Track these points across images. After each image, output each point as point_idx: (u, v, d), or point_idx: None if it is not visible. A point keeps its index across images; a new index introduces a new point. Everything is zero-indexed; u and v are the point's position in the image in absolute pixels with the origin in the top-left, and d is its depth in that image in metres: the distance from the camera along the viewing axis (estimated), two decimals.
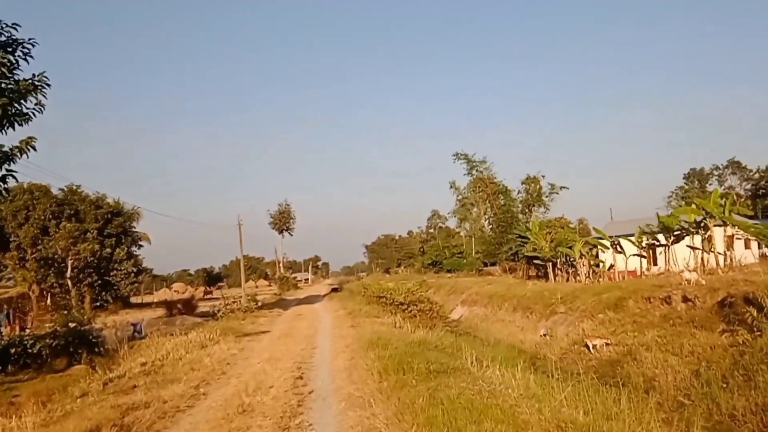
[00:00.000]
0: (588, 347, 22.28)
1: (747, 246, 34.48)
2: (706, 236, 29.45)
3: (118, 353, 19.71)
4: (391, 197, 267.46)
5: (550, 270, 45.12)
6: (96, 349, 19.57)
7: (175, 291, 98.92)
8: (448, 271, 76.72)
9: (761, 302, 18.48)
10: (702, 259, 29.52)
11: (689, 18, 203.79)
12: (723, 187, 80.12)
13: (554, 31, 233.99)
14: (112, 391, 11.78)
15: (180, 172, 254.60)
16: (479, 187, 70.58)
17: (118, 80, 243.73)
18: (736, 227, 27.74)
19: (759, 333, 17.09)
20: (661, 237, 33.54)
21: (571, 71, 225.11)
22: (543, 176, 68.30)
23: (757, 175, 74.80)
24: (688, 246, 30.63)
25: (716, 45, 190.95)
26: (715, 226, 28.37)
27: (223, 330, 23.22)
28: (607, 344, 21.91)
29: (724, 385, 15.70)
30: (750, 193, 73.67)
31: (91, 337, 19.75)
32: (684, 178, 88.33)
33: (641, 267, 35.80)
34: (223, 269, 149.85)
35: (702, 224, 29.38)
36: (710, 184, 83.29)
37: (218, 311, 34.16)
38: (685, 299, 23.29)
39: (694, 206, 30.29)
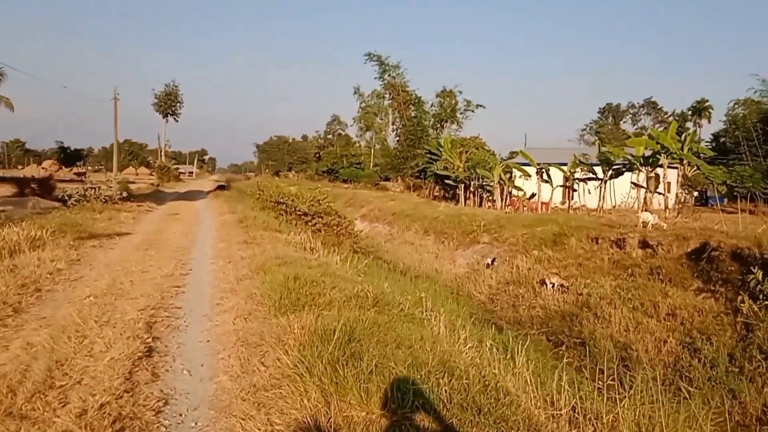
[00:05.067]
0: (546, 284, 18.21)
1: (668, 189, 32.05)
2: (653, 173, 26.05)
3: None
4: (290, 96, 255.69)
5: (461, 192, 41.10)
6: None
7: (42, 168, 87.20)
8: (344, 181, 71.83)
9: (763, 261, 14.81)
10: (645, 198, 26.24)
11: None
12: (636, 127, 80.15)
13: None
14: None
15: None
16: (390, 93, 64.50)
17: None
18: (695, 167, 24.48)
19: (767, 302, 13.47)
20: (598, 170, 30.03)
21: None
22: (460, 91, 63.50)
23: (671, 118, 74.31)
24: (633, 183, 27.27)
25: None
26: (670, 165, 24.91)
27: (62, 225, 16.08)
28: (563, 286, 17.90)
29: (737, 370, 11.98)
30: None
31: None
32: (599, 113, 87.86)
33: (568, 200, 32.43)
34: (102, 151, 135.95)
35: (651, 160, 25.84)
36: (624, 122, 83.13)
37: (70, 197, 26.48)
38: (644, 245, 19.64)
39: (647, 138, 26.70)
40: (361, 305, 6.70)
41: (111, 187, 31.61)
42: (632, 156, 27.01)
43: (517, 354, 6.85)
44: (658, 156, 25.02)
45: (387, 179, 69.35)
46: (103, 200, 26.22)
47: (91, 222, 18.86)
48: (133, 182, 55.61)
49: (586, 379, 9.20)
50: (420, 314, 7.54)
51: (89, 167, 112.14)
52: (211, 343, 6.31)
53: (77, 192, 26.89)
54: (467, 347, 7.02)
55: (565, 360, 11.63)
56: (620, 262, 19.81)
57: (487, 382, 4.72)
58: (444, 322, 7.76)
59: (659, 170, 26.55)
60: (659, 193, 26.77)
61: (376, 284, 8.59)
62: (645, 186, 26.40)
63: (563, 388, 5.95)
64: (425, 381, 4.32)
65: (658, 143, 24.67)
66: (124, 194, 30.60)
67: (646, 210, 24.22)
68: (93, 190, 27.55)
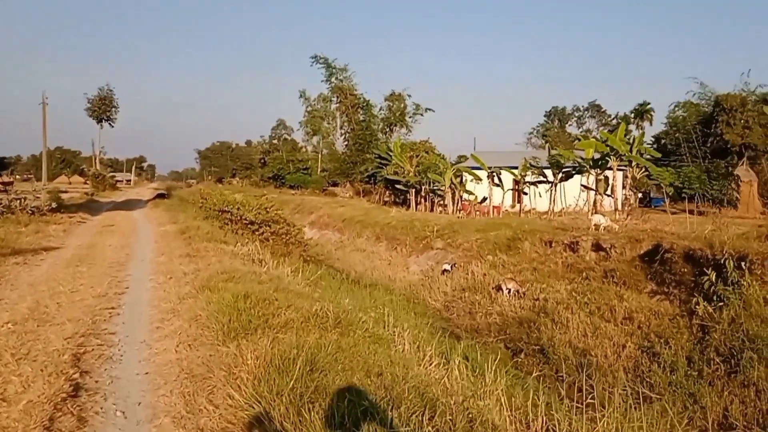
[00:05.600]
0: (502, 290, 17.90)
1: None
2: (602, 176, 26.32)
3: None
4: (232, 100, 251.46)
5: (412, 197, 40.83)
6: None
7: None
8: (291, 187, 70.60)
9: (715, 262, 14.88)
10: (595, 201, 26.48)
11: None
12: (581, 129, 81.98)
13: None
14: None
15: None
16: (338, 97, 63.67)
17: None
18: (642, 168, 24.81)
19: (722, 303, 13.51)
20: (548, 173, 30.20)
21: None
22: (409, 95, 63.29)
23: (614, 121, 76.21)
24: (583, 185, 27.47)
25: None
26: (619, 167, 25.18)
27: None
28: (519, 292, 17.64)
29: (696, 374, 11.90)
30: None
31: None
32: (545, 116, 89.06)
33: (520, 204, 32.53)
34: (32, 159, 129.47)
35: (600, 162, 26.10)
36: (570, 125, 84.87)
37: None
38: (597, 248, 19.67)
39: (594, 140, 26.95)
40: (321, 326, 6.07)
41: (39, 197, 29.30)
42: (582, 159, 27.27)
43: (487, 371, 6.45)
44: (607, 158, 25.29)
45: (335, 185, 68.68)
46: (30, 211, 24.18)
47: (14, 236, 17.35)
48: (65, 191, 52.54)
49: (557, 397, 8.86)
50: (383, 331, 6.98)
51: (17, 176, 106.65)
52: (151, 376, 5.53)
53: (0, 203, 24.75)
54: (433, 365, 6.58)
55: (532, 374, 11.35)
56: (574, 266, 19.81)
57: (471, 415, 4.20)
58: (408, 338, 7.27)
59: (608, 172, 26.86)
60: (608, 196, 27.09)
61: (334, 299, 7.98)
62: (594, 188, 26.66)
63: (540, 410, 5.58)
64: (405, 421, 3.76)
65: (607, 146, 24.95)
66: (54, 205, 28.40)
67: (596, 212, 24.40)
68: (18, 201, 25.48)
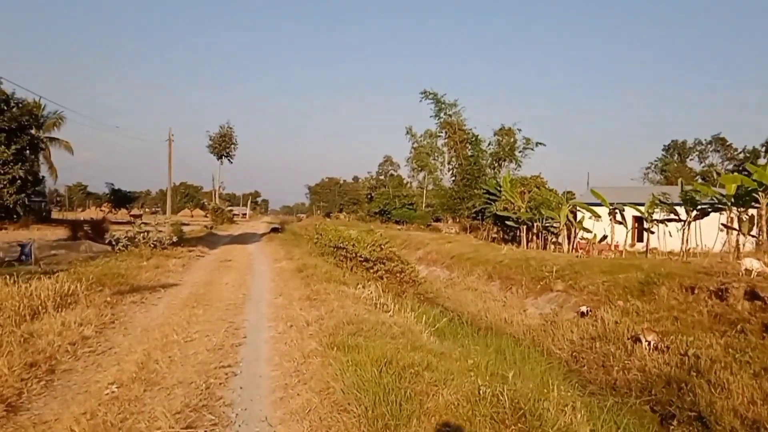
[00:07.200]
0: (641, 341, 15.92)
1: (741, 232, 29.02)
2: (748, 214, 23.47)
3: None
4: (341, 139, 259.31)
5: (523, 234, 38.88)
6: None
7: (101, 210, 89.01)
8: (397, 222, 70.34)
9: None
10: (737, 242, 23.60)
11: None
12: (703, 164, 76.36)
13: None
14: None
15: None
16: (446, 132, 62.94)
17: None
18: None
19: None
20: (680, 210, 27.52)
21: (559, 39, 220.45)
22: (519, 129, 61.52)
23: (741, 155, 70.66)
24: (723, 225, 24.66)
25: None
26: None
27: (102, 276, 14.27)
28: (662, 345, 15.57)
29: None
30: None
31: None
32: (663, 151, 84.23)
33: (644, 243, 29.85)
34: (159, 194, 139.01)
35: (744, 199, 23.30)
36: (691, 159, 79.41)
37: (117, 241, 24.41)
38: (752, 296, 17.17)
39: (739, 175, 24.19)
40: (493, 417, 4.81)
41: (161, 230, 29.58)
42: (722, 195, 24.54)
43: None
44: (755, 194, 22.50)
45: (438, 220, 67.78)
46: (152, 245, 24.45)
47: (135, 271, 17.15)
48: (187, 224, 55.06)
49: None
50: (560, 416, 5.62)
51: (147, 209, 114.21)
52: None
53: (125, 236, 25.00)
54: None
55: None
56: (724, 316, 17.36)
57: None
58: (581, 420, 5.90)
59: (751, 210, 23.99)
60: (753, 236, 24.14)
61: (490, 365, 6.67)
62: (738, 228, 23.82)
63: None
64: None
65: (754, 180, 22.22)
66: (175, 239, 28.16)
67: (739, 253, 21.66)
68: (142, 234, 25.45)
